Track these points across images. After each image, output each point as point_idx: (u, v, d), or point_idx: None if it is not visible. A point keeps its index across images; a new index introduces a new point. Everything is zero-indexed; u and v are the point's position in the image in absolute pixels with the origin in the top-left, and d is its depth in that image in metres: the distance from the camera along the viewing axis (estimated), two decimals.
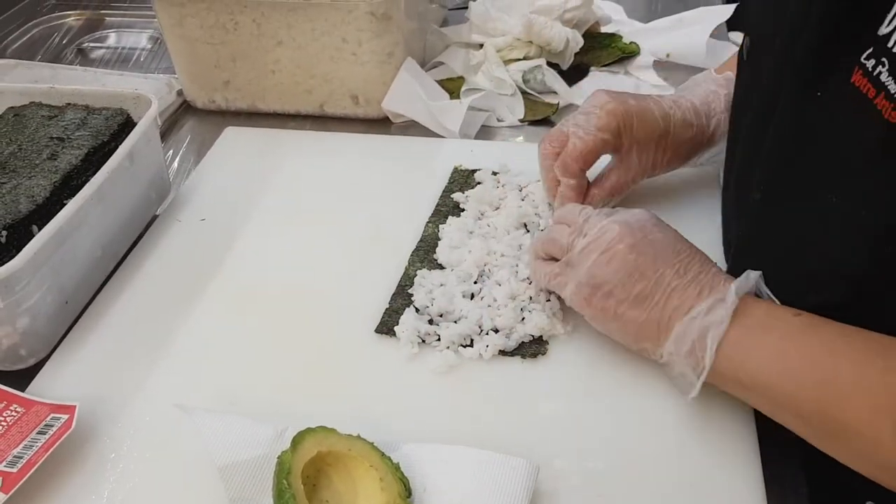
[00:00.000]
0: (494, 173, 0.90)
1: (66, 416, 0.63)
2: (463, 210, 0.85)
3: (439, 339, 0.71)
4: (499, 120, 1.04)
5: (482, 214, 0.85)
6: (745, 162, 0.68)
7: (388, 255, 0.81)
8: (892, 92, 0.48)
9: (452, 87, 1.08)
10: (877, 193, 0.52)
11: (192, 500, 0.60)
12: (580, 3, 1.11)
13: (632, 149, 0.78)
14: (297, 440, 0.57)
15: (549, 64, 1.09)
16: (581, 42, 1.11)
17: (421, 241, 0.82)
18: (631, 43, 1.16)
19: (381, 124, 1.05)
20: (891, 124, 0.49)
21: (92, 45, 1.34)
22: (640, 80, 1.10)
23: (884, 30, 0.49)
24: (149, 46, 1.31)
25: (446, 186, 0.89)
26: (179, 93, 1.11)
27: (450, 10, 1.27)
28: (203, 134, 1.06)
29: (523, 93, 1.07)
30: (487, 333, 0.71)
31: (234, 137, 1.02)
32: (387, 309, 0.74)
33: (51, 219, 0.70)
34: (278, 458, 0.56)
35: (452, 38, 1.15)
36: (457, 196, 0.87)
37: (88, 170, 0.78)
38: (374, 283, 0.78)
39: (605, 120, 0.77)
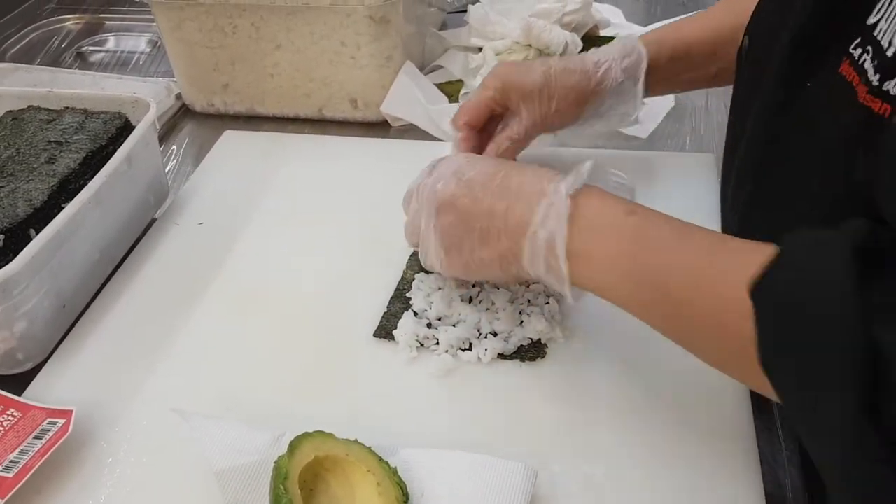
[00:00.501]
0: None
1: (62, 421, 0.63)
2: None
3: (438, 343, 0.71)
4: None
5: None
6: (745, 157, 0.68)
7: (386, 259, 0.81)
8: (870, 77, 0.49)
9: (451, 90, 1.08)
10: (855, 177, 0.51)
11: None
12: (579, 7, 1.11)
13: (518, 104, 0.82)
14: (295, 445, 0.57)
15: None
16: (580, 45, 1.10)
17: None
18: None
19: (380, 128, 1.05)
20: (864, 107, 0.49)
21: (91, 48, 1.34)
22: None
23: (872, 19, 0.50)
24: (148, 50, 1.31)
25: None
26: (178, 96, 1.11)
27: (448, 13, 1.27)
28: (202, 137, 1.06)
29: None
30: (486, 337, 0.71)
31: (232, 141, 1.02)
32: (385, 313, 0.74)
33: (48, 222, 0.70)
34: (275, 463, 0.56)
35: (451, 42, 1.15)
36: None
37: (86, 173, 0.78)
38: (373, 287, 0.78)
39: (490, 80, 0.83)
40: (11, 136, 0.82)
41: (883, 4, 0.50)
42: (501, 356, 0.70)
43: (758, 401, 0.66)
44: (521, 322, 0.72)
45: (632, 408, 0.65)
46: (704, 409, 0.65)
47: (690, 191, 0.86)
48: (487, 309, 0.73)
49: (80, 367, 0.72)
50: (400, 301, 0.75)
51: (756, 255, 0.48)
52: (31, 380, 0.70)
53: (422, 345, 0.71)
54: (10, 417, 0.63)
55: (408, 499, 0.57)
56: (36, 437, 0.61)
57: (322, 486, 0.58)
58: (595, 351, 0.70)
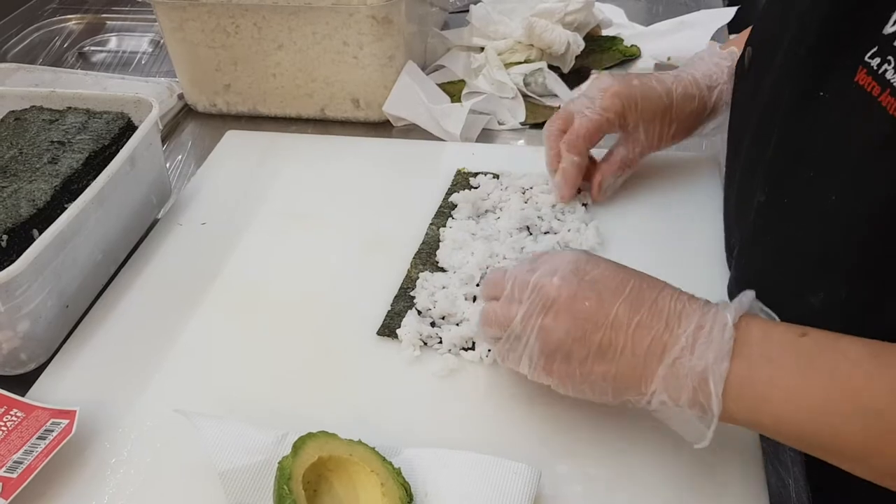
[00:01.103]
0: (496, 176, 0.90)
1: (66, 421, 0.63)
2: (455, 209, 0.86)
3: (441, 342, 0.71)
4: (500, 123, 1.04)
5: (478, 217, 0.85)
6: (749, 167, 0.68)
7: (389, 259, 0.81)
8: None
9: (453, 90, 1.08)
10: (877, 189, 0.51)
11: None
12: (581, 7, 1.11)
13: (637, 126, 0.81)
14: (298, 445, 0.57)
15: (551, 67, 1.08)
16: (582, 45, 1.11)
17: (423, 243, 0.82)
18: (632, 46, 1.15)
19: (382, 128, 1.05)
20: (892, 118, 0.49)
21: (93, 48, 1.34)
22: None
23: (889, 28, 0.50)
24: (150, 50, 1.31)
25: (449, 189, 0.89)
26: (180, 96, 1.11)
27: (451, 13, 1.27)
28: (204, 138, 1.06)
29: (524, 96, 1.06)
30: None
31: (234, 141, 1.02)
32: (389, 311, 0.74)
33: (51, 223, 0.70)
34: (279, 463, 0.56)
35: (453, 42, 1.15)
36: (455, 198, 0.87)
37: (89, 174, 0.78)
38: (376, 287, 0.78)
39: (609, 101, 0.80)
40: (14, 136, 0.82)
41: None
42: None
43: None
44: None
45: (636, 412, 0.65)
46: None
47: (696, 192, 0.86)
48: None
49: (83, 367, 0.72)
50: (404, 299, 0.75)
51: None
52: (35, 380, 0.70)
53: (425, 343, 0.71)
54: (14, 418, 0.63)
55: (411, 499, 0.57)
56: (40, 438, 0.61)
57: (325, 487, 0.58)
58: None
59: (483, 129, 1.02)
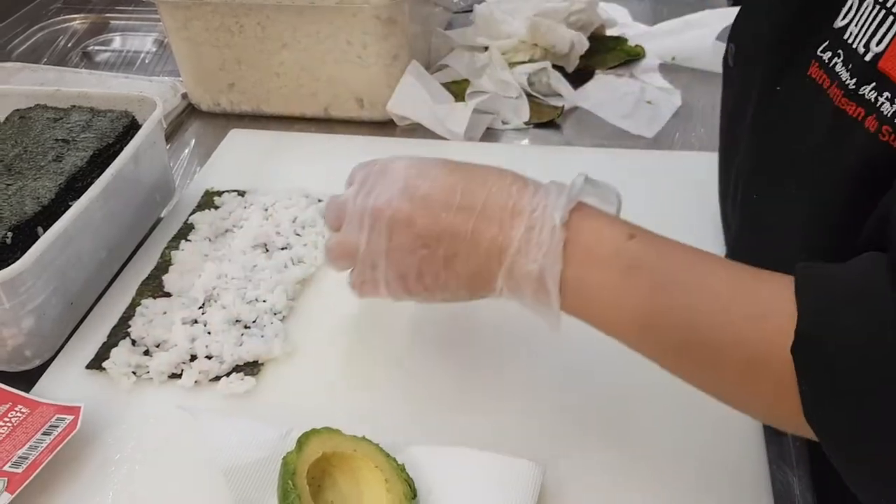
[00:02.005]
0: (241, 194, 0.89)
1: (71, 417, 0.63)
2: (192, 231, 0.84)
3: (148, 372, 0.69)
4: (504, 122, 1.04)
5: (216, 237, 0.83)
6: (725, 166, 0.69)
7: None
8: (844, 80, 0.49)
9: (457, 89, 1.08)
10: (826, 180, 0.52)
11: (196, 501, 0.60)
12: (585, 6, 1.11)
13: None
14: (302, 441, 0.57)
15: (555, 67, 1.08)
16: (586, 45, 1.11)
17: (154, 268, 0.80)
18: (636, 46, 1.16)
19: (386, 127, 1.05)
20: (839, 110, 0.50)
21: (97, 48, 1.34)
22: (646, 83, 1.10)
23: (839, 22, 0.51)
24: (153, 50, 1.31)
25: (194, 209, 0.88)
26: (184, 96, 1.11)
27: (455, 13, 1.27)
28: (207, 137, 1.06)
29: (528, 95, 1.06)
30: (201, 359, 0.70)
31: (238, 140, 1.02)
32: (103, 343, 0.73)
33: (56, 220, 0.70)
34: (283, 459, 0.56)
35: (457, 41, 1.15)
36: (194, 219, 0.85)
37: (93, 172, 0.78)
38: None
39: None
40: (19, 134, 0.82)
41: (851, 7, 0.50)
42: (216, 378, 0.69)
43: None
44: (242, 343, 0.71)
45: (640, 407, 0.65)
46: (712, 408, 0.65)
47: (695, 190, 0.86)
48: (209, 332, 0.72)
49: (87, 364, 0.71)
50: (122, 330, 0.74)
51: (782, 294, 0.46)
52: (39, 377, 0.70)
53: (135, 373, 0.69)
54: (19, 414, 0.63)
55: (415, 495, 0.57)
56: (44, 434, 0.62)
57: (329, 482, 0.58)
58: (604, 350, 0.70)
59: (487, 128, 1.02)
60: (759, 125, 0.61)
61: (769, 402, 0.49)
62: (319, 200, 0.87)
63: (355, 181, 0.63)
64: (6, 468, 0.59)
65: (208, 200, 0.89)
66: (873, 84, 0.48)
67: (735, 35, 0.70)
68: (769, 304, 0.47)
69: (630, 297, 0.51)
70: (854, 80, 0.49)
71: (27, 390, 0.67)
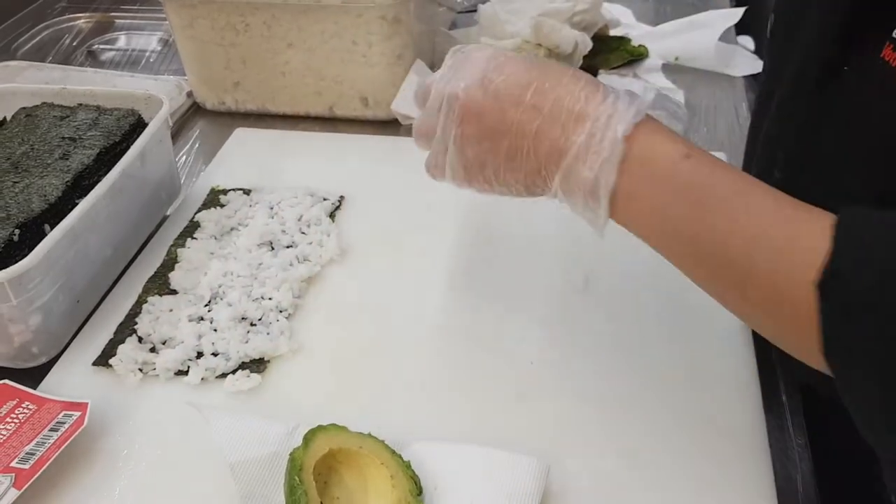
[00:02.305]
0: (246, 192, 0.90)
1: (78, 414, 0.63)
2: (199, 229, 0.85)
3: (155, 369, 0.70)
4: None
5: (221, 236, 0.84)
6: (769, 142, 0.67)
7: (392, 253, 0.81)
8: None
9: None
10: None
11: (204, 496, 0.60)
12: (589, 7, 1.11)
13: None
14: (309, 437, 0.57)
15: None
16: (590, 45, 1.11)
17: (160, 266, 0.81)
18: (640, 46, 1.16)
19: (390, 126, 1.05)
20: None
21: (102, 47, 1.34)
22: (649, 83, 1.10)
23: None
24: (158, 48, 1.31)
25: (199, 207, 0.88)
26: (189, 94, 1.12)
27: (459, 13, 1.27)
28: (213, 135, 1.06)
29: None
30: (208, 356, 0.70)
31: (243, 139, 1.02)
32: (110, 340, 0.73)
33: (63, 218, 0.70)
34: (290, 455, 0.56)
35: (461, 41, 1.16)
36: (200, 217, 0.86)
37: (100, 170, 0.78)
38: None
39: None
40: (25, 132, 0.83)
41: None
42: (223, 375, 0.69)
43: (769, 396, 0.67)
44: (248, 340, 0.71)
45: (644, 404, 0.66)
46: (716, 404, 0.65)
47: None
48: (215, 330, 0.72)
49: (94, 361, 0.72)
50: (128, 327, 0.74)
51: (820, 229, 0.46)
52: (46, 374, 0.71)
53: (141, 370, 0.70)
54: (26, 410, 0.64)
55: (421, 492, 0.57)
56: (52, 430, 0.62)
57: (335, 479, 0.58)
58: (609, 346, 0.70)
59: None
60: (816, 106, 0.59)
61: (788, 332, 0.50)
62: (324, 199, 0.87)
63: (445, 65, 0.63)
64: (14, 464, 0.59)
65: (214, 199, 0.89)
66: None
67: (777, 7, 0.69)
68: (804, 236, 0.47)
69: (676, 214, 0.52)
70: None
71: (34, 387, 0.68)
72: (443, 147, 0.61)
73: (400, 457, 0.58)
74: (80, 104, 0.87)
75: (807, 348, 0.47)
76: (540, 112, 0.56)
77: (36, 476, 0.58)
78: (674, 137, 0.54)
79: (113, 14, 1.40)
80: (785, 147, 0.63)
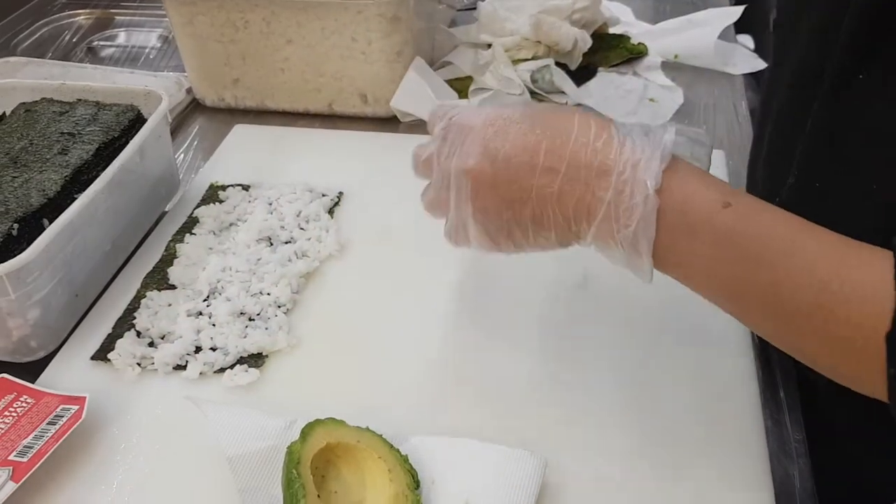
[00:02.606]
0: (245, 188, 0.90)
1: (76, 407, 0.63)
2: (197, 224, 0.85)
3: (153, 363, 0.70)
4: None
5: (220, 231, 0.84)
6: (781, 146, 0.66)
7: (393, 252, 0.81)
8: None
9: (461, 86, 1.08)
10: None
11: (201, 490, 0.60)
12: (588, 4, 1.11)
13: None
14: (307, 431, 0.57)
15: (558, 64, 1.09)
16: (589, 42, 1.11)
17: (159, 261, 0.81)
18: (639, 44, 1.16)
19: (389, 123, 1.05)
20: None
21: (102, 43, 1.34)
22: (648, 81, 1.10)
23: None
24: (158, 45, 1.32)
25: (198, 203, 0.88)
26: (189, 91, 1.12)
27: (458, 10, 1.27)
28: (212, 132, 1.06)
29: (532, 93, 1.07)
30: (206, 351, 0.70)
31: (242, 135, 1.02)
32: (108, 335, 0.73)
33: (61, 212, 0.71)
34: (288, 448, 0.56)
35: (461, 38, 1.16)
36: (199, 212, 0.86)
37: (99, 165, 0.78)
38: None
39: None
40: (25, 127, 0.83)
41: None
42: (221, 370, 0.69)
43: (766, 393, 0.67)
44: (246, 335, 0.71)
45: (642, 401, 0.66)
46: (714, 401, 0.65)
47: None
48: (214, 325, 0.72)
49: (92, 355, 0.72)
50: (127, 321, 0.74)
51: (880, 274, 0.45)
52: (44, 368, 0.71)
53: (140, 364, 0.70)
54: (24, 404, 0.64)
55: (418, 485, 0.57)
56: (50, 423, 0.62)
57: (333, 473, 0.58)
58: (607, 343, 0.70)
59: None
60: (832, 112, 0.58)
61: (853, 375, 0.48)
62: (323, 195, 0.88)
63: (435, 133, 0.61)
64: (11, 457, 0.59)
65: (213, 194, 0.89)
66: None
67: (780, 2, 0.68)
68: (867, 283, 0.45)
69: (720, 267, 0.51)
70: None
71: (32, 381, 0.68)
72: (460, 222, 0.60)
73: (398, 451, 0.58)
74: (80, 99, 0.87)
75: (869, 389, 0.46)
76: (557, 173, 0.54)
77: (33, 469, 0.58)
78: (707, 182, 0.52)
79: (113, 11, 1.40)
80: (798, 151, 0.62)
